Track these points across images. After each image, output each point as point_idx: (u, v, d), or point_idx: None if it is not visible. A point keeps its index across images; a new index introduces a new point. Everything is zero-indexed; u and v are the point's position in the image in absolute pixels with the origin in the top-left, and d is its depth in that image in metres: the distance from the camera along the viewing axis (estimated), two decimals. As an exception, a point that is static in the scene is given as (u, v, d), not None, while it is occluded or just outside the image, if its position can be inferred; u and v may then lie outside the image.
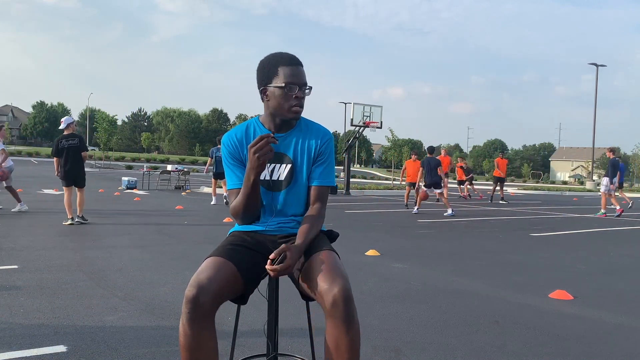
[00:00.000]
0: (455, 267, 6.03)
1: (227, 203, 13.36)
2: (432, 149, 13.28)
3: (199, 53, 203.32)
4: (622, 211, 14.23)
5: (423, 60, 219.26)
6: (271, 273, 1.97)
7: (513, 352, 3.25)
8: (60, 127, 8.86)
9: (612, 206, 14.68)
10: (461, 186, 20.57)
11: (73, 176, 8.65)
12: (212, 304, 1.89)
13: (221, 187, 13.75)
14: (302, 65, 2.19)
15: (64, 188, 8.70)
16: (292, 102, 2.14)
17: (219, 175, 13.56)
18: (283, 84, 2.12)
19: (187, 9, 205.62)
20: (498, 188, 18.69)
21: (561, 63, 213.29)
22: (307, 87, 2.19)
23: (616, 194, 14.59)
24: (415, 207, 13.10)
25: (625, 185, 55.63)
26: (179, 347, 1.92)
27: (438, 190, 12.91)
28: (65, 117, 9.00)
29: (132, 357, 2.95)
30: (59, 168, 8.69)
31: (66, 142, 8.60)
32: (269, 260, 1.97)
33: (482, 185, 33.97)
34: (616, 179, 14.15)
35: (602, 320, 4.07)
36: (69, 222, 8.53)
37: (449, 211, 12.53)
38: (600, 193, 14.67)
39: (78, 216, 8.70)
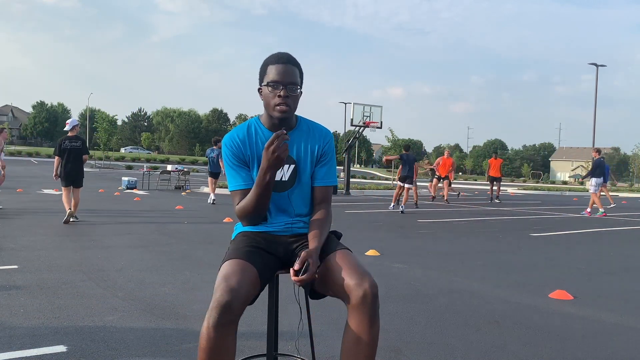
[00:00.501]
0: (455, 267, 6.03)
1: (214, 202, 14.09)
2: (407, 147, 14.22)
3: (199, 53, 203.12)
4: (591, 214, 14.27)
5: (423, 60, 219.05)
6: (298, 283, 1.98)
7: (513, 352, 3.26)
8: (65, 129, 9.06)
9: (594, 206, 14.76)
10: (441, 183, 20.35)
11: (72, 177, 8.89)
12: (241, 308, 1.88)
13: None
14: (291, 64, 2.14)
15: (62, 188, 8.95)
16: (276, 100, 2.12)
17: (213, 174, 14.60)
18: (267, 82, 2.14)
19: (187, 9, 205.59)
20: (495, 188, 19.03)
21: (561, 63, 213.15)
22: (297, 87, 2.14)
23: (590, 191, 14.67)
24: (402, 204, 13.46)
25: (625, 185, 55.68)
26: (198, 349, 1.89)
27: (408, 185, 13.56)
28: (70, 119, 9.17)
29: (132, 357, 2.95)
30: (58, 169, 8.91)
31: (69, 144, 8.87)
32: (292, 271, 1.98)
33: (482, 185, 33.97)
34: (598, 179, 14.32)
35: (602, 320, 4.07)
36: (67, 215, 8.79)
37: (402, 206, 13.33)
38: (590, 194, 14.73)
39: (71, 215, 8.87)
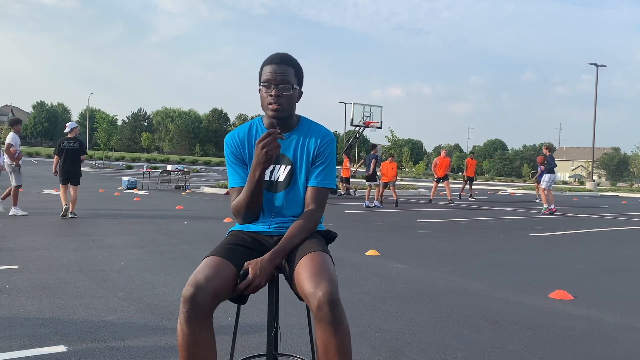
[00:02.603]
0: (455, 267, 6.03)
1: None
2: (371, 147, 15.44)
3: (199, 53, 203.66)
4: (555, 210, 14.24)
5: (423, 60, 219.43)
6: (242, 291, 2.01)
7: (513, 352, 3.26)
8: (65, 131, 9.86)
9: (540, 201, 14.87)
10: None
11: (70, 175, 9.62)
12: (210, 303, 1.89)
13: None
14: (285, 64, 2.16)
15: (60, 185, 9.67)
16: (268, 99, 2.15)
17: None
18: (261, 83, 2.18)
19: (186, 9, 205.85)
20: (467, 187, 19.66)
21: (561, 63, 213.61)
22: (290, 86, 2.15)
23: (542, 187, 14.60)
24: (375, 201, 14.54)
25: (625, 185, 55.61)
26: (178, 347, 1.93)
27: (375, 183, 14.74)
28: (69, 122, 10.01)
29: (132, 357, 2.95)
30: (57, 167, 9.63)
31: (67, 144, 9.63)
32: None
33: (482, 185, 33.85)
34: (553, 176, 14.35)
35: (602, 320, 4.07)
36: (64, 210, 9.50)
37: (375, 202, 14.51)
38: (539, 190, 14.76)
39: (70, 212, 9.48)
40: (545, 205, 14.20)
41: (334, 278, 1.94)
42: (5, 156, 9.74)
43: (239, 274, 2.02)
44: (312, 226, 2.18)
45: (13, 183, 9.60)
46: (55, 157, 9.66)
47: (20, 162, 9.68)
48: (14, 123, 9.87)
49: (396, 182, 16.16)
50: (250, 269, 1.99)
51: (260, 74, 2.20)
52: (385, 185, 15.49)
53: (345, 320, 1.90)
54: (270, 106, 2.15)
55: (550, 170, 14.22)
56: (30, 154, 52.92)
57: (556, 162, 14.43)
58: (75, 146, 9.63)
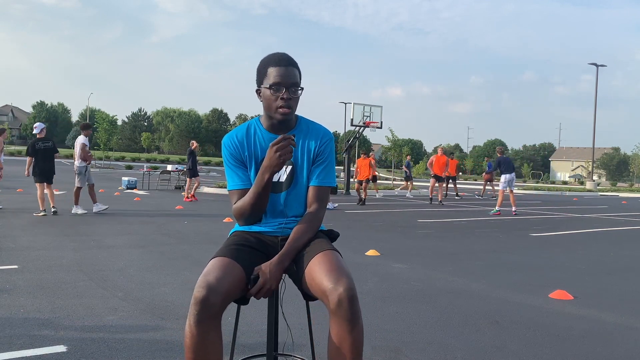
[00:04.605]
0: (455, 267, 6.03)
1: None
2: None
3: (199, 53, 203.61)
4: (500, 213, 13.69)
5: (423, 60, 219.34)
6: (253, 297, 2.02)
7: (513, 352, 3.25)
8: (34, 132, 10.12)
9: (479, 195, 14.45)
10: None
11: (46, 174, 9.87)
12: (220, 304, 1.89)
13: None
14: (292, 66, 2.15)
15: (37, 184, 9.85)
16: (278, 102, 2.12)
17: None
18: (269, 85, 2.13)
19: (186, 9, 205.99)
20: (444, 186, 19.59)
21: (561, 63, 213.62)
22: (298, 88, 2.15)
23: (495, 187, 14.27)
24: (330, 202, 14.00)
25: (625, 185, 55.56)
26: (184, 348, 1.91)
27: None
28: (37, 124, 10.21)
29: (132, 357, 2.95)
30: (29, 168, 9.89)
31: (42, 144, 9.91)
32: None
33: (481, 185, 33.77)
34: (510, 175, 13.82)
35: (602, 320, 4.07)
36: (42, 213, 9.58)
37: (332, 204, 13.77)
38: (497, 190, 14.03)
39: (52, 208, 9.81)
40: (496, 208, 13.66)
41: (351, 275, 1.96)
42: (79, 158, 10.36)
43: (245, 274, 2.02)
44: (316, 225, 2.18)
45: (76, 184, 10.33)
46: (29, 158, 9.88)
47: (88, 164, 10.47)
48: (85, 127, 10.66)
49: (368, 180, 15.62)
50: (260, 274, 1.99)
51: (264, 75, 2.15)
52: (361, 183, 15.50)
53: (361, 318, 1.92)
54: (281, 110, 2.12)
55: (503, 171, 13.79)
56: (30, 154, 52.87)
57: (507, 163, 13.91)
58: (49, 146, 9.97)
